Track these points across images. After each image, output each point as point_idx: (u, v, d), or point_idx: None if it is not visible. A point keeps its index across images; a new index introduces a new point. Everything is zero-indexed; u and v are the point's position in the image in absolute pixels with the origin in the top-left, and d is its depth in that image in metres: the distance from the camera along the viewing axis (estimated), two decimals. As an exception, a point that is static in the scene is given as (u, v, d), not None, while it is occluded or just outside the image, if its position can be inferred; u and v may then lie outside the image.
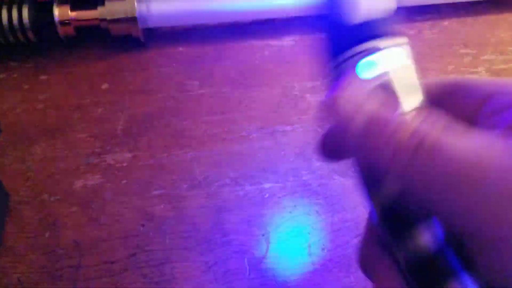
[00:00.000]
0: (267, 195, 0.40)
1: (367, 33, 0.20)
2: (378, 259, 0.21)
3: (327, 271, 0.36)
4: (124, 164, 0.42)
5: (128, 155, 0.42)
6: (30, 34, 0.47)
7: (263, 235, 0.38)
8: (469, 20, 0.54)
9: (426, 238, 0.19)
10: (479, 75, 0.48)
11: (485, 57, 0.50)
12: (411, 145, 0.17)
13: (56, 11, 0.47)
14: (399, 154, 0.17)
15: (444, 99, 0.21)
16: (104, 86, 0.47)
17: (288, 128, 0.44)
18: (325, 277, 0.36)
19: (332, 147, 0.22)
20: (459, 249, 0.18)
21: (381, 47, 0.20)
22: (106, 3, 0.47)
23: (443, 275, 0.18)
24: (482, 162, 0.16)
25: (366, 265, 0.22)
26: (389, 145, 0.17)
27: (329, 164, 0.42)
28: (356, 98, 0.19)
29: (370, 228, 0.22)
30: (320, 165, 0.42)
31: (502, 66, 0.49)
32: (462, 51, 0.50)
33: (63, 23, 0.47)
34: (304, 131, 0.44)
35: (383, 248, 0.21)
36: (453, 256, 0.18)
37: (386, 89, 0.20)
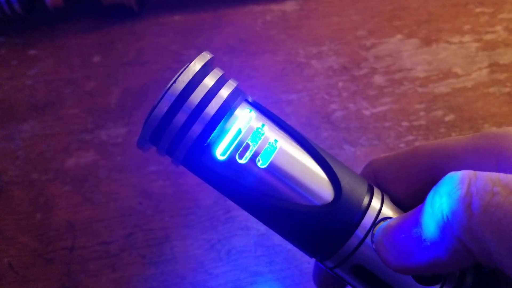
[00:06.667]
0: (272, 168, 0.37)
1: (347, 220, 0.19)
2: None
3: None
4: (119, 140, 0.39)
5: (123, 130, 0.40)
6: (18, 8, 0.44)
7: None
8: (485, -23, 0.50)
9: None
10: (497, 35, 0.45)
11: (503, 15, 0.46)
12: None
13: (43, -19, 0.44)
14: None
15: (435, 173, 0.21)
16: (96, 58, 0.44)
17: (294, 96, 0.41)
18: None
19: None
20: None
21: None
22: (95, -30, 0.44)
23: None
24: None
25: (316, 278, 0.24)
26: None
27: (338, 134, 0.39)
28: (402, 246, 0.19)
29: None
30: (328, 134, 0.39)
31: (522, 25, 0.46)
32: (478, 10, 0.47)
33: (51, -6, 0.45)
34: (310, 100, 0.41)
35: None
36: None
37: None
